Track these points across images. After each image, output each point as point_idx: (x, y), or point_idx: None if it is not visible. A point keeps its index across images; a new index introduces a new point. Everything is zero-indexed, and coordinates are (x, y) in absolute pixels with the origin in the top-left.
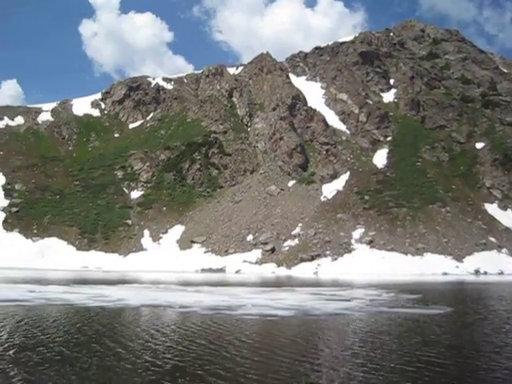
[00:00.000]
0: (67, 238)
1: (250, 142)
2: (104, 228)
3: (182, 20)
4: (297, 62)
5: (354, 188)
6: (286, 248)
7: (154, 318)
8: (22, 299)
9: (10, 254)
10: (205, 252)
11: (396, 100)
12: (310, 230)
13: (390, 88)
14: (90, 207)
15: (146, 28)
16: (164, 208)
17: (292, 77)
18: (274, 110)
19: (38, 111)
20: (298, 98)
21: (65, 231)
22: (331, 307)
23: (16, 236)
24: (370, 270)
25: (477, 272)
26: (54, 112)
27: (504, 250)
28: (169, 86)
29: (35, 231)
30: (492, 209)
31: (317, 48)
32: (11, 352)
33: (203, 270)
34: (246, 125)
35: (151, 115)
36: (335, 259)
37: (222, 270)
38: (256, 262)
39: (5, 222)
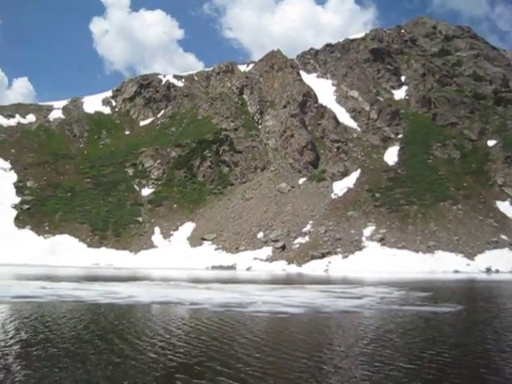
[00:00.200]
0: (78, 235)
1: (260, 139)
2: (115, 225)
3: (193, 17)
4: (307, 59)
5: (365, 185)
6: (297, 245)
7: (164, 315)
8: (33, 296)
9: (22, 250)
10: (215, 249)
11: (407, 97)
12: (321, 228)
13: (401, 85)
14: (101, 204)
15: (156, 25)
16: (175, 205)
17: (303, 74)
18: (284, 107)
19: (50, 109)
20: (309, 95)
21: (76, 228)
22: (341, 305)
23: (28, 233)
24: (381, 267)
25: (488, 270)
26: (65, 110)
27: None
28: (179, 84)
29: (47, 228)
30: (504, 206)
31: (328, 45)
32: (18, 347)
33: (214, 267)
34: (257, 122)
35: (162, 112)
36: (346, 257)
37: (232, 268)
38: (266, 260)
39: (16, 219)
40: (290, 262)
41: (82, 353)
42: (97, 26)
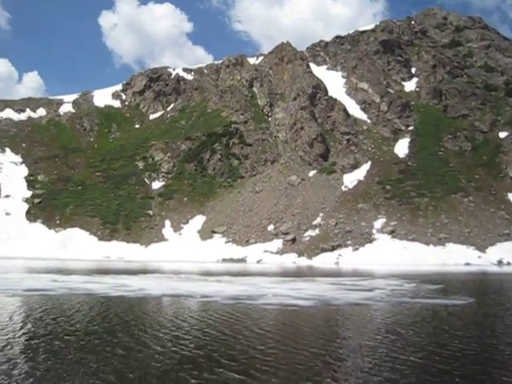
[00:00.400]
0: (89, 228)
1: (270, 132)
2: (126, 218)
3: (201, 10)
4: (317, 51)
5: (376, 178)
6: (307, 238)
7: (174, 307)
8: (45, 289)
9: (34, 244)
10: (226, 242)
11: (418, 89)
12: (331, 220)
13: (411, 77)
14: (112, 198)
15: (165, 19)
16: (185, 198)
17: (312, 66)
18: (294, 99)
19: (60, 103)
20: (319, 87)
21: (87, 222)
22: (352, 297)
23: (39, 227)
24: (392, 260)
25: (500, 262)
26: (75, 103)
27: None
28: (189, 77)
29: (58, 222)
30: None
31: (337, 37)
32: (26, 340)
33: (224, 260)
34: (267, 115)
35: (172, 106)
36: (356, 249)
37: (242, 260)
38: (277, 252)
39: (28, 212)
40: (300, 254)
41: (89, 345)
42: (106, 19)
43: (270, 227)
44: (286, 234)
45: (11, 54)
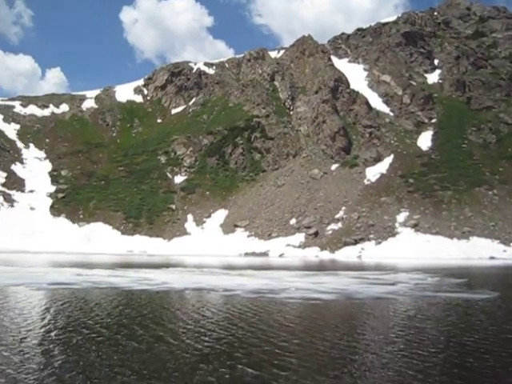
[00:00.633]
0: (112, 222)
1: (292, 125)
2: (148, 213)
3: (222, 4)
4: (339, 43)
5: (398, 171)
6: (330, 232)
7: (196, 301)
8: (69, 282)
9: (58, 239)
10: (248, 236)
11: (441, 81)
12: (354, 214)
13: (434, 69)
14: (135, 192)
15: (185, 13)
16: (207, 192)
17: (334, 59)
18: (316, 92)
19: (82, 98)
20: (341, 80)
21: (110, 216)
22: (374, 291)
23: (63, 221)
24: (415, 253)
25: None
26: (97, 99)
27: None
28: (210, 71)
29: (81, 216)
30: None
31: (359, 29)
32: (55, 333)
33: (246, 254)
34: (289, 108)
35: (193, 100)
36: (379, 243)
37: (265, 254)
38: (299, 246)
39: (52, 207)
40: (322, 248)
41: (115, 338)
42: (127, 15)
43: (293, 221)
44: (309, 227)
45: (34, 51)
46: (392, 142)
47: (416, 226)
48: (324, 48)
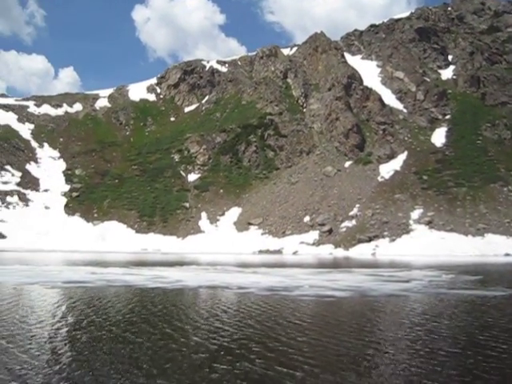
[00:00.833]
0: (126, 221)
1: (305, 122)
2: (162, 211)
3: (234, 2)
4: (352, 40)
5: (412, 168)
6: (344, 229)
7: (210, 298)
8: (83, 281)
9: (72, 237)
10: (262, 234)
11: (455, 77)
12: (368, 211)
13: (448, 64)
14: (148, 191)
15: (197, 11)
16: (221, 190)
17: (347, 56)
18: (329, 90)
19: (96, 97)
20: (354, 77)
21: (124, 215)
22: (389, 288)
23: (77, 220)
24: (429, 251)
25: None
26: (110, 98)
27: None
28: (223, 69)
29: (95, 215)
30: None
31: (372, 26)
32: (65, 330)
33: (260, 252)
34: (302, 106)
35: (206, 98)
36: (393, 240)
37: (279, 252)
38: (313, 244)
39: (66, 206)
40: (336, 245)
41: (126, 336)
42: (139, 13)
43: (306, 218)
44: (323, 225)
45: (47, 51)
46: (406, 138)
47: (430, 223)
48: (337, 45)
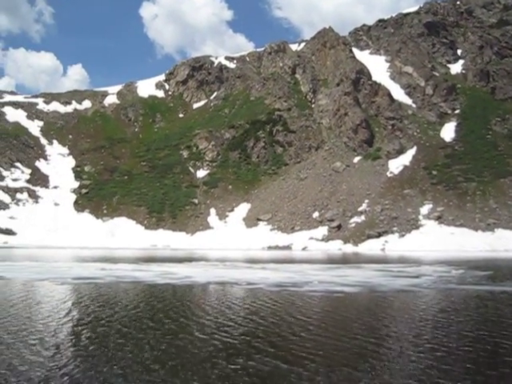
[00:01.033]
0: (136, 217)
1: (314, 118)
2: (171, 207)
3: None
4: (360, 35)
5: (422, 163)
6: (353, 225)
7: (219, 294)
8: (93, 277)
9: (82, 234)
10: (271, 229)
11: (464, 71)
12: (377, 207)
13: (457, 59)
14: (157, 187)
15: (205, 7)
16: (230, 186)
17: (355, 51)
18: (337, 85)
19: (104, 94)
20: (362, 72)
21: (133, 211)
22: (398, 284)
23: (87, 216)
24: (439, 246)
25: None
26: (119, 94)
27: None
28: (231, 65)
29: (105, 211)
30: None
31: (380, 20)
32: (70, 326)
33: (269, 248)
34: (310, 101)
35: (215, 94)
36: (403, 236)
37: (288, 247)
38: (322, 239)
39: (75, 203)
40: (346, 241)
41: (132, 332)
42: (147, 10)
43: (315, 214)
44: (332, 220)
45: (56, 48)
46: (415, 133)
47: (440, 219)
48: (345, 40)
